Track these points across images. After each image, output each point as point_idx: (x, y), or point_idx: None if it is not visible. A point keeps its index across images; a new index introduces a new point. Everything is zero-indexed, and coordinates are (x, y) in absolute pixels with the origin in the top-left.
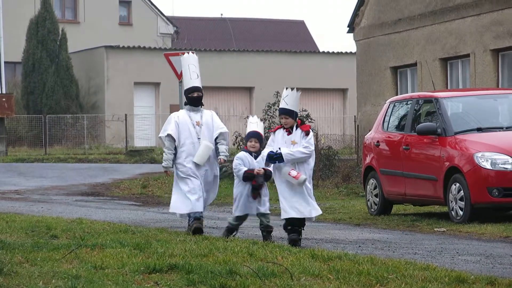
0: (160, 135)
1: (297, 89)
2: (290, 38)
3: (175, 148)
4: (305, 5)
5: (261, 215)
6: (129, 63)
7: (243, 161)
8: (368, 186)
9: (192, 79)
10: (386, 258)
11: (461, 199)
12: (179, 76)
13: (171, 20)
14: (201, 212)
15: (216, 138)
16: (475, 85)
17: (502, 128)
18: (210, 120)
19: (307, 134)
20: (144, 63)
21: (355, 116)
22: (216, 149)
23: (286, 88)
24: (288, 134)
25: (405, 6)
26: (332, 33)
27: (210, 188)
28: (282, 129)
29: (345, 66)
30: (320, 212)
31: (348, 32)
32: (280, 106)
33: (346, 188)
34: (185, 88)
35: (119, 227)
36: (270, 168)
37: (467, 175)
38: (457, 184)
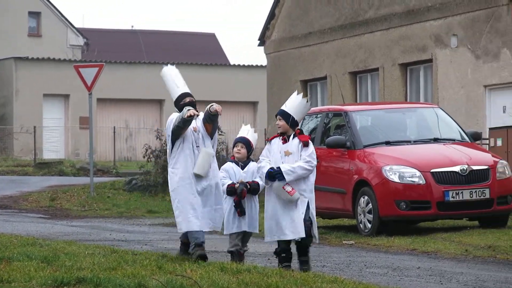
0: (169, 126)
1: (306, 100)
2: (201, 50)
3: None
4: (216, 18)
5: (243, 234)
6: (38, 74)
7: (228, 173)
8: None
9: (180, 86)
10: (295, 271)
11: (369, 212)
12: (89, 87)
13: (81, 31)
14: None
15: None
16: (384, 99)
17: (410, 141)
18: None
19: (305, 145)
20: (54, 75)
21: (265, 129)
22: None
23: (295, 92)
24: (283, 143)
25: (315, 20)
26: (243, 46)
27: (217, 202)
28: (278, 138)
29: (256, 79)
30: (303, 235)
31: (259, 45)
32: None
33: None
34: (175, 97)
35: (27, 240)
36: (258, 180)
37: (376, 188)
38: (366, 197)
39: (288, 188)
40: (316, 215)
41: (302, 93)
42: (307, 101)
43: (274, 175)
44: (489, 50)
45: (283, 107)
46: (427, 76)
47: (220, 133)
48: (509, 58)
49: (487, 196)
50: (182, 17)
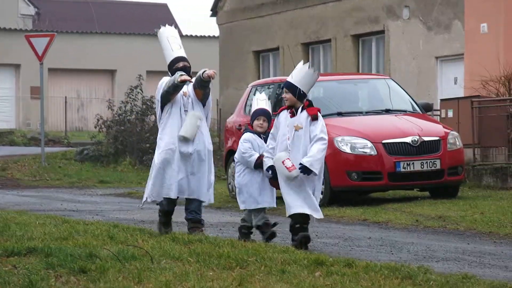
0: (158, 91)
1: (315, 71)
2: (153, 21)
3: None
4: None
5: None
6: None
7: (252, 145)
8: (229, 170)
9: (174, 50)
10: (246, 241)
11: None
12: (40, 57)
13: (32, 1)
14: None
15: None
16: (336, 70)
17: (361, 112)
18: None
19: (314, 118)
20: (4, 45)
21: (217, 99)
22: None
23: (301, 62)
24: (291, 117)
25: None
26: (195, 17)
27: (197, 170)
28: (286, 111)
29: (208, 50)
30: (321, 215)
31: (211, 16)
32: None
33: None
34: (169, 61)
35: None
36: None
37: (327, 159)
38: None
39: (288, 163)
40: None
41: (308, 62)
42: (314, 71)
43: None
44: (440, 21)
45: (289, 79)
46: (379, 48)
47: None
48: (460, 29)
49: (438, 167)
50: None
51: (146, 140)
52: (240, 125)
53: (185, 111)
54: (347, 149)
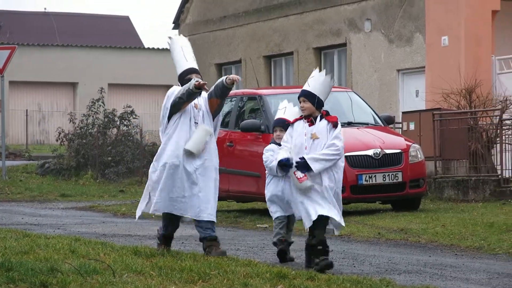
0: (168, 99)
1: (322, 76)
2: (115, 33)
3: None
4: (130, 1)
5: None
6: None
7: (274, 154)
8: None
9: (189, 60)
10: (209, 255)
11: None
12: (1, 70)
13: None
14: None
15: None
16: (298, 83)
17: None
18: (206, 102)
19: (335, 126)
20: None
21: None
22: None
23: (316, 69)
24: (309, 126)
25: (230, 3)
26: (158, 29)
27: (208, 187)
28: (302, 120)
29: (170, 63)
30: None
31: (174, 28)
32: (303, 88)
33: None
34: (181, 70)
35: None
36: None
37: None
38: None
39: (299, 174)
40: (231, 199)
41: (324, 70)
42: (331, 78)
43: (286, 163)
44: (402, 34)
45: (306, 87)
46: (341, 60)
47: (134, 116)
48: (421, 42)
49: (400, 179)
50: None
51: (108, 153)
52: None
53: (195, 123)
54: None
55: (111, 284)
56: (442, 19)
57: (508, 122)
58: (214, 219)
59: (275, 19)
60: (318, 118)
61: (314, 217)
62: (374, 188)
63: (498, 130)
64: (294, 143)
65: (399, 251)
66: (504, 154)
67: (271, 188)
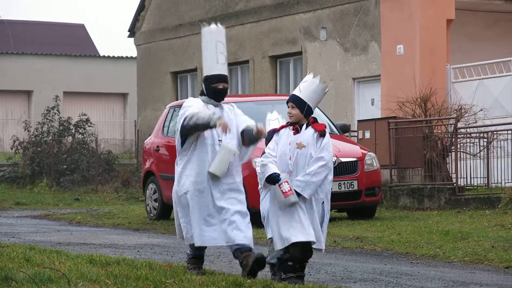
0: (186, 114)
1: (322, 83)
2: (71, 41)
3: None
4: (85, 9)
5: None
6: None
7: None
8: (147, 191)
9: (220, 63)
10: (165, 263)
11: None
12: None
13: None
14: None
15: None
16: (254, 91)
17: None
18: (232, 117)
19: (322, 135)
20: None
21: (135, 120)
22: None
23: (310, 74)
24: (294, 133)
25: (186, 12)
26: (113, 38)
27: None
28: (288, 128)
29: (126, 71)
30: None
31: (129, 36)
32: (292, 93)
33: (126, 193)
34: (208, 74)
35: None
36: None
37: (245, 180)
38: None
39: (285, 187)
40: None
41: (319, 76)
42: (325, 86)
43: (274, 179)
44: (357, 43)
45: (297, 93)
46: (297, 68)
47: (89, 124)
48: (377, 51)
49: (355, 188)
50: (51, 7)
51: (63, 162)
52: (158, 146)
53: (219, 141)
54: None
55: None
56: (397, 28)
57: (462, 130)
58: (249, 243)
59: (231, 28)
60: (304, 126)
61: (286, 243)
62: (330, 197)
63: (453, 139)
64: (278, 152)
65: (354, 259)
66: (459, 162)
67: (266, 205)
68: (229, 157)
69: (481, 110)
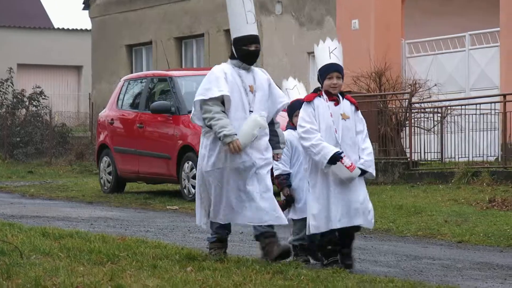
0: (197, 98)
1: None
2: (24, 14)
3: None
4: None
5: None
6: None
7: (291, 144)
8: (101, 164)
9: (249, 23)
10: (118, 236)
11: (193, 177)
12: None
13: None
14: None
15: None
16: (209, 64)
17: None
18: (266, 85)
19: (358, 109)
20: None
21: (89, 93)
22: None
23: (335, 40)
24: (335, 104)
25: None
26: (68, 10)
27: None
28: (321, 98)
29: (80, 43)
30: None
31: (84, 9)
32: (330, 61)
33: (80, 166)
34: (237, 35)
35: None
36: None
37: None
38: (190, 162)
39: (347, 162)
40: (141, 180)
41: (335, 38)
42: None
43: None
44: (313, 17)
45: (336, 61)
46: None
47: (43, 97)
48: (332, 25)
49: None
50: None
51: (16, 134)
52: (112, 120)
53: (250, 111)
54: None
55: (19, 266)
56: (353, 3)
57: (417, 105)
58: (278, 222)
59: (187, 1)
60: (340, 97)
61: (337, 225)
62: None
63: (407, 114)
64: (322, 125)
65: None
66: (413, 137)
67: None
68: (254, 129)
69: (435, 85)
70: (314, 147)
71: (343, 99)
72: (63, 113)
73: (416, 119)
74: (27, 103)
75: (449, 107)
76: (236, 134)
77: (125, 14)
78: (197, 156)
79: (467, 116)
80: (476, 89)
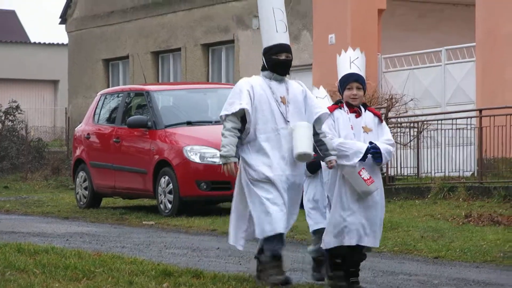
0: (222, 113)
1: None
2: (1, 28)
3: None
4: None
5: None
6: None
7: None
8: (77, 179)
9: (279, 31)
10: (94, 252)
11: (170, 192)
12: None
13: None
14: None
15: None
16: (186, 79)
17: (211, 122)
18: (301, 96)
19: (382, 120)
20: None
21: (66, 108)
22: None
23: (357, 50)
24: (356, 116)
25: None
26: (44, 24)
27: (293, 201)
28: (342, 110)
29: (57, 58)
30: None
31: (61, 23)
32: (349, 71)
33: (56, 181)
34: (268, 44)
35: None
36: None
37: (176, 168)
38: (167, 177)
39: (365, 175)
40: (117, 195)
41: (358, 48)
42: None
43: (374, 153)
44: (290, 32)
45: (356, 70)
46: (228, 57)
47: (19, 112)
48: (309, 40)
49: None
50: None
51: None
52: (88, 134)
53: (286, 122)
54: (196, 158)
55: None
56: (329, 17)
57: (393, 120)
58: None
59: (163, 15)
60: (362, 108)
61: (351, 242)
62: None
63: None
64: (340, 137)
65: (285, 248)
66: None
67: (312, 191)
68: (309, 133)
69: (411, 100)
70: (343, 144)
71: (365, 111)
72: (39, 127)
73: (392, 134)
74: (3, 118)
75: (425, 122)
76: (234, 157)
77: (101, 29)
78: (173, 171)
79: (443, 131)
80: (452, 104)
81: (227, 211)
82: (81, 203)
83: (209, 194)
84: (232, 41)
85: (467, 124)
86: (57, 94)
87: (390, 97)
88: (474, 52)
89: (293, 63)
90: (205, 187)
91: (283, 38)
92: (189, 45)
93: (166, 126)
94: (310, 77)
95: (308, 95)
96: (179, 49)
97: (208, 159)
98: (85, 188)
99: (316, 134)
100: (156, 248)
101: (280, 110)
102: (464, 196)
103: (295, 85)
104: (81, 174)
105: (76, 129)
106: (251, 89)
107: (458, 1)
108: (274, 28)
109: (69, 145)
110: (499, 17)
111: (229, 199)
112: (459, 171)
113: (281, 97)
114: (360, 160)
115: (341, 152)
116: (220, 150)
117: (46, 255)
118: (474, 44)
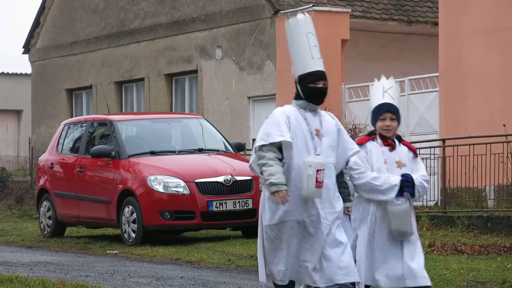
0: (258, 143)
1: None
2: None
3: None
4: None
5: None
6: None
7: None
8: (41, 209)
9: (315, 57)
10: (58, 281)
11: (134, 222)
12: None
13: None
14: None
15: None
16: (149, 109)
17: (175, 152)
18: (334, 129)
19: (417, 156)
20: None
21: (29, 137)
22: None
23: (390, 79)
24: (390, 150)
25: (81, 29)
26: (7, 54)
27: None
28: (375, 142)
29: (20, 87)
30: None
31: (24, 53)
32: (382, 101)
33: (19, 210)
34: (303, 72)
35: None
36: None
37: (140, 198)
38: (130, 207)
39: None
40: (81, 225)
41: (391, 77)
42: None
43: (409, 187)
44: (253, 62)
45: (391, 100)
46: (192, 87)
47: None
48: (272, 70)
49: (250, 206)
50: None
51: None
52: (52, 164)
53: (316, 155)
54: (160, 188)
55: None
56: None
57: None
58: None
59: (126, 45)
60: (397, 142)
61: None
62: (225, 215)
63: None
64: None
65: (248, 277)
66: None
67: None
68: (306, 171)
69: (374, 130)
70: (376, 179)
71: (399, 144)
72: (2, 157)
73: None
74: None
75: None
76: (285, 185)
77: (65, 58)
78: (137, 201)
79: None
80: (416, 133)
81: (191, 241)
82: (45, 232)
83: (173, 224)
84: (195, 71)
85: (430, 154)
86: (21, 123)
87: (354, 127)
88: (437, 82)
89: (257, 93)
90: (168, 216)
91: (318, 64)
92: (152, 75)
93: (130, 156)
94: (273, 107)
95: (341, 129)
96: (142, 79)
97: (172, 188)
98: (49, 218)
99: (341, 175)
100: (120, 277)
101: (314, 144)
102: (427, 225)
103: (328, 117)
104: (45, 203)
105: (39, 158)
106: (287, 119)
107: (421, 31)
108: (309, 55)
109: (33, 174)
110: (462, 48)
111: (193, 228)
112: (422, 201)
113: (316, 130)
114: (396, 195)
115: (373, 191)
116: (268, 179)
117: (10, 284)
118: (437, 74)
